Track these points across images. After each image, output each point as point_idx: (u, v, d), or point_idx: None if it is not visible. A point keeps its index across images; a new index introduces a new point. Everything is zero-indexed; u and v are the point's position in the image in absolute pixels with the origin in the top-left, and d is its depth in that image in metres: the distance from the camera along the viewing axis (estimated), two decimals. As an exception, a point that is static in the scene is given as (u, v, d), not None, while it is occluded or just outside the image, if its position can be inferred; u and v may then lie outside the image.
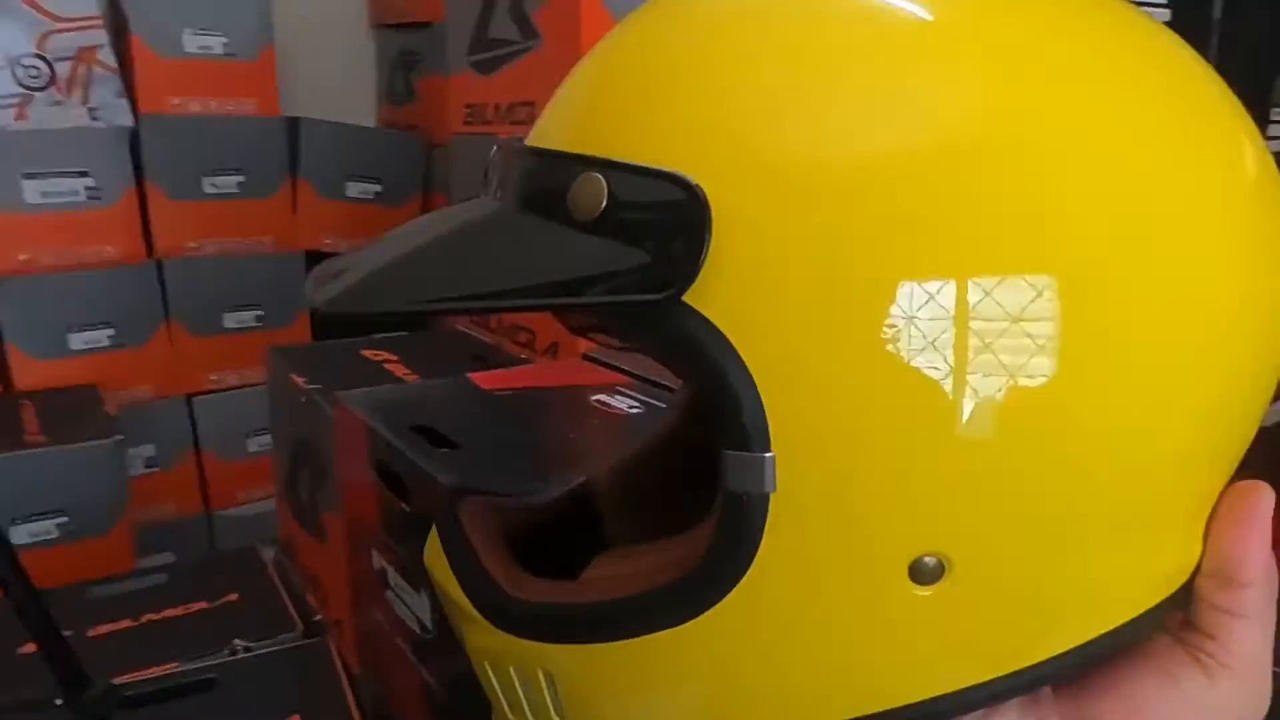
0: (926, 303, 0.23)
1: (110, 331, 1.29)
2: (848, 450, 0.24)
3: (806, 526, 0.24)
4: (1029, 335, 0.23)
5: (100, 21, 1.25)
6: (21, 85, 1.17)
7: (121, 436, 1.13)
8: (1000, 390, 0.23)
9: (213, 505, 1.40)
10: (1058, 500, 0.24)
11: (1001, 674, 0.26)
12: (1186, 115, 0.26)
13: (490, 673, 0.31)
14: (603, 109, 0.27)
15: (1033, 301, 0.23)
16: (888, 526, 0.24)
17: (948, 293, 0.22)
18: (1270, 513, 0.28)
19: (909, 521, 0.24)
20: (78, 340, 1.25)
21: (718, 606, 0.26)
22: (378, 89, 1.67)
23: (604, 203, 0.24)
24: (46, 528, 1.11)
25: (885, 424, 0.23)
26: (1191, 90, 0.27)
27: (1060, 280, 0.23)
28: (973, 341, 0.23)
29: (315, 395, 0.74)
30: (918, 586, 0.25)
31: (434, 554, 0.33)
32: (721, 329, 0.23)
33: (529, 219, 0.26)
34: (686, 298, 0.23)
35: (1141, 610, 0.27)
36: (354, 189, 1.43)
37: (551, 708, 0.30)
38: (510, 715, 0.32)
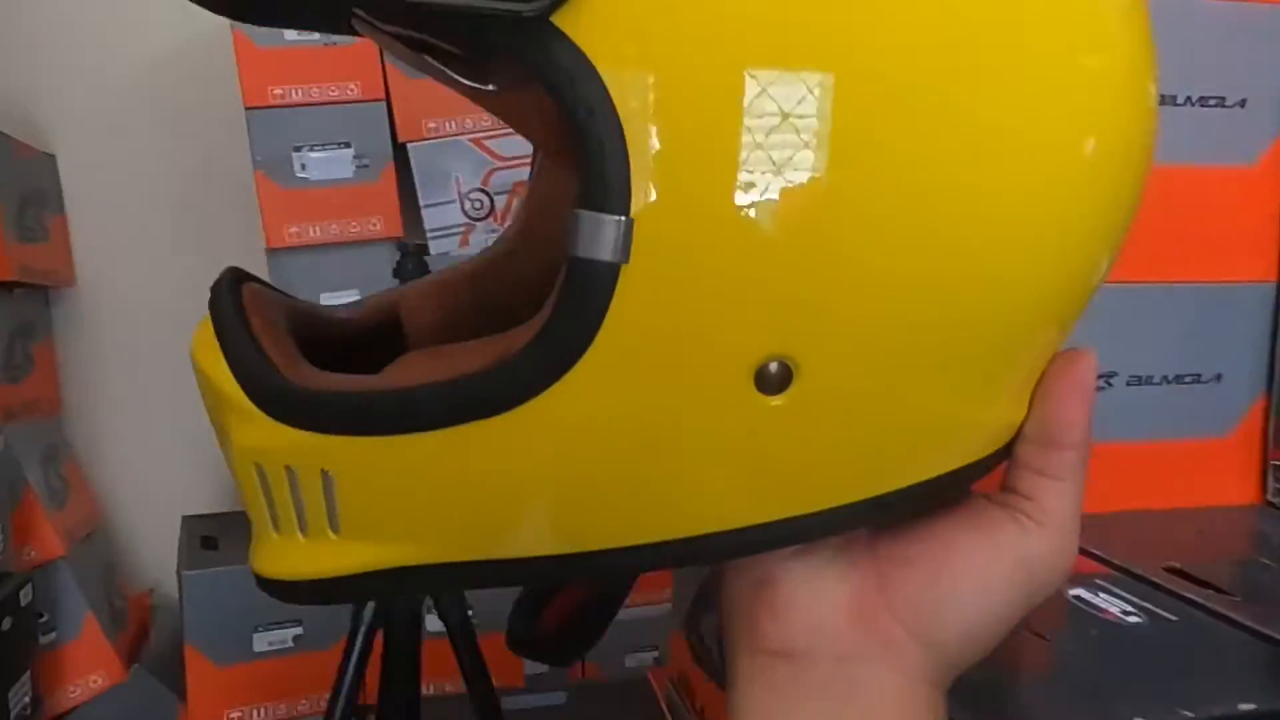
0: (773, 93, 0.21)
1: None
2: (704, 230, 0.22)
3: (654, 311, 0.23)
4: (857, 139, 0.22)
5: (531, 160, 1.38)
6: (468, 216, 1.31)
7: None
8: (818, 191, 0.22)
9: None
10: (897, 319, 0.24)
11: (839, 504, 0.26)
12: None
13: (258, 478, 0.28)
14: None
15: (876, 102, 0.22)
16: (737, 318, 0.23)
17: (791, 87, 0.21)
18: (1094, 381, 0.28)
19: (757, 316, 0.23)
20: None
21: (547, 393, 0.23)
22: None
23: None
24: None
25: (738, 209, 0.22)
26: None
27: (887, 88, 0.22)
28: (805, 138, 0.22)
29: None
30: (765, 396, 0.24)
31: (202, 341, 0.29)
32: (593, 61, 0.21)
33: None
34: (556, 19, 0.21)
35: (975, 459, 0.28)
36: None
37: (325, 515, 0.27)
38: (274, 531, 0.28)
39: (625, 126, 0.21)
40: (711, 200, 0.22)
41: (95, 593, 1.34)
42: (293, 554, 0.29)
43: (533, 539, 0.27)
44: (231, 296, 0.30)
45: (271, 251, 1.30)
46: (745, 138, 0.22)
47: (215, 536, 1.22)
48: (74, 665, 1.29)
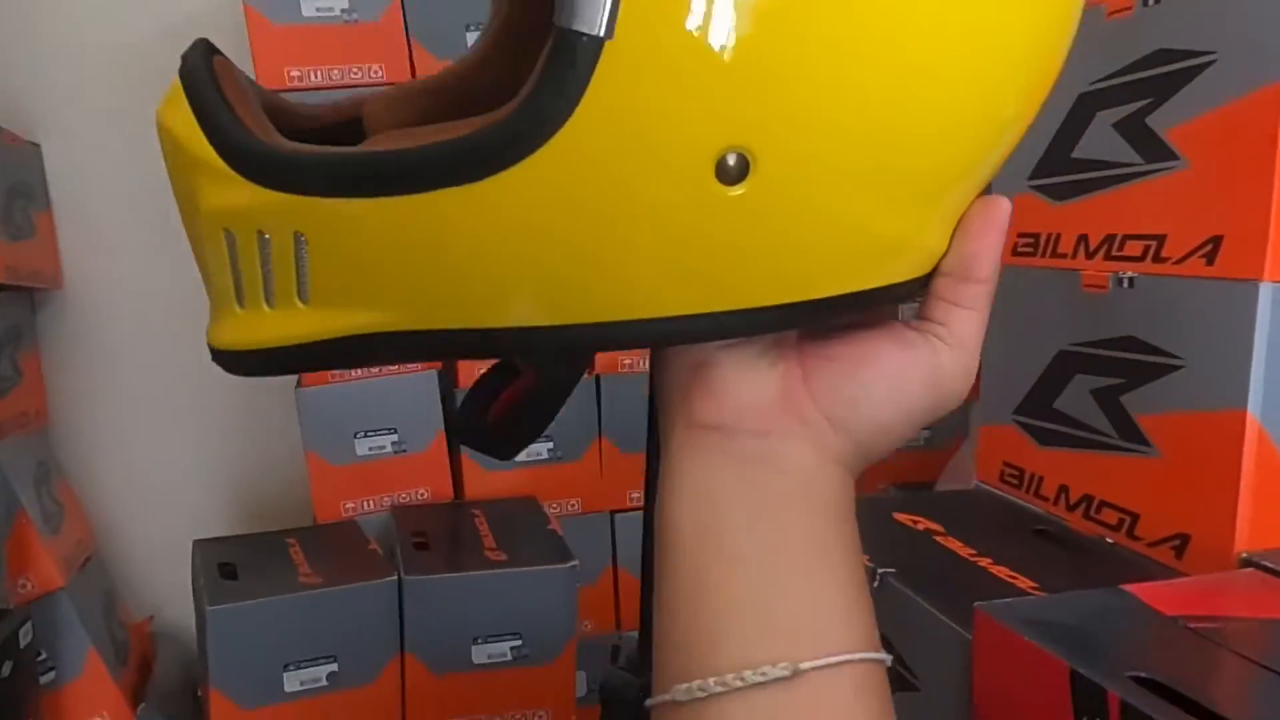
0: None
1: (549, 445, 1.29)
2: (681, 17, 0.23)
3: (630, 90, 0.24)
4: None
5: None
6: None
7: (576, 562, 1.09)
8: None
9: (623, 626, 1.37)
10: (848, 129, 0.26)
11: (778, 303, 0.28)
12: None
13: (226, 246, 0.28)
14: None
15: None
16: (704, 105, 0.24)
17: None
18: (1007, 223, 0.32)
19: (723, 105, 0.24)
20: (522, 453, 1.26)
21: (523, 162, 0.25)
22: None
23: None
24: (501, 650, 1.09)
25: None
26: None
27: None
28: None
29: (893, 581, 0.63)
30: (723, 185, 0.25)
31: (172, 104, 0.29)
32: None
33: None
34: None
35: (902, 280, 0.31)
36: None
37: (295, 283, 0.28)
38: (237, 305, 0.29)
39: None
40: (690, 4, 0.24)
41: (96, 625, 1.22)
42: (254, 324, 0.29)
43: (493, 310, 0.28)
44: (204, 63, 0.30)
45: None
46: None
47: (233, 563, 1.11)
48: (76, 706, 1.17)
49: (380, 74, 1.19)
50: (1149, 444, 0.66)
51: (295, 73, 1.16)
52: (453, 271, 0.27)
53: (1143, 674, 0.44)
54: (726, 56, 0.24)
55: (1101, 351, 0.70)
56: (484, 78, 0.38)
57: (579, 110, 0.24)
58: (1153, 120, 0.65)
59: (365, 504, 1.29)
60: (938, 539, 0.71)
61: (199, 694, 1.18)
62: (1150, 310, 0.66)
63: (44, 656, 1.14)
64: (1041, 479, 0.77)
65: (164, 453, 1.43)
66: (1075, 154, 0.72)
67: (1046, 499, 0.76)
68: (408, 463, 1.29)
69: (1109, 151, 0.69)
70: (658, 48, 0.24)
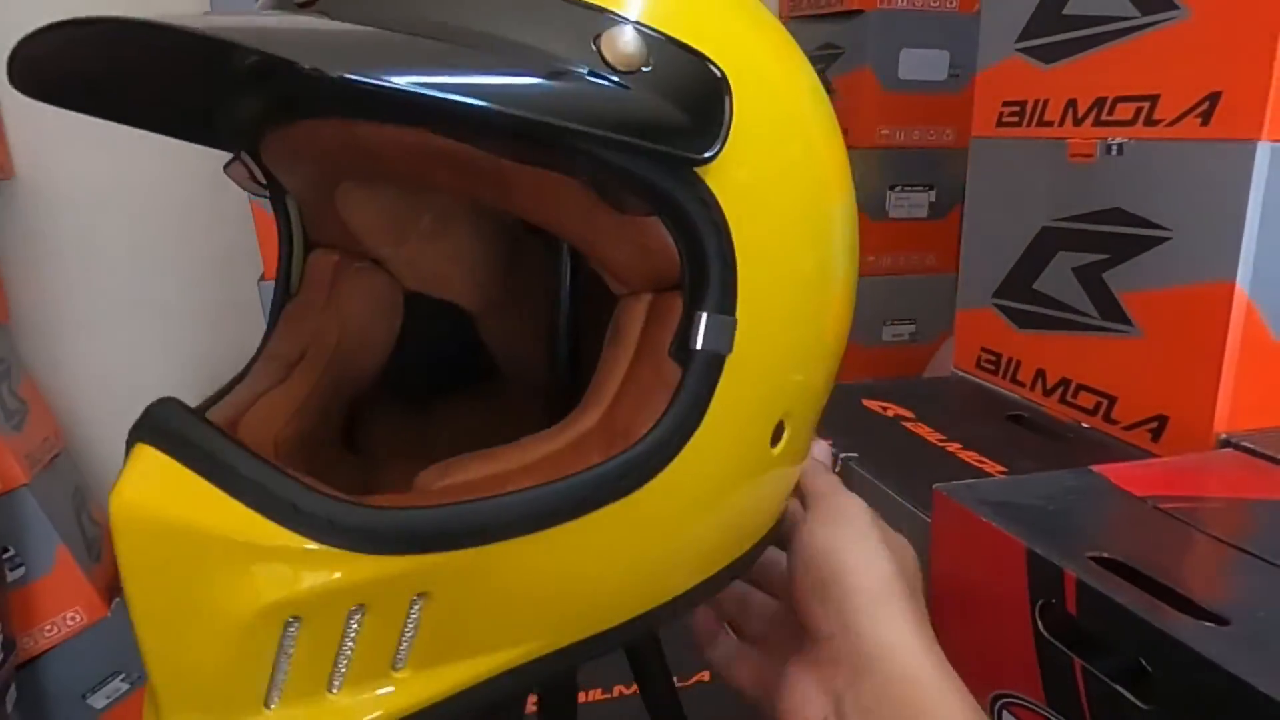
0: (807, 235, 0.31)
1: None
2: (770, 330, 0.30)
3: (737, 388, 0.29)
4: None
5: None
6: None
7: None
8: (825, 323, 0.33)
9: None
10: (827, 382, 0.34)
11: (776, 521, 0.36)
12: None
13: (286, 637, 0.24)
14: None
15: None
16: (780, 394, 0.31)
17: (815, 233, 0.32)
18: None
19: (784, 389, 0.31)
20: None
21: (663, 473, 0.27)
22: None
23: (647, 63, 0.26)
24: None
25: (784, 309, 0.30)
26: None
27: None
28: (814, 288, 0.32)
29: (855, 465, 0.60)
30: (772, 448, 0.31)
31: (159, 486, 0.23)
32: (724, 208, 0.27)
33: (489, 52, 0.25)
34: (699, 171, 0.27)
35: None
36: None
37: (395, 649, 0.26)
38: (269, 703, 0.25)
39: (738, 255, 0.28)
40: (773, 313, 0.30)
41: (65, 522, 1.20)
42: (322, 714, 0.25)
43: (614, 611, 0.30)
44: (203, 425, 0.25)
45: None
46: (777, 270, 0.30)
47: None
48: (48, 602, 1.16)
49: None
50: (1130, 323, 0.62)
51: None
52: (591, 585, 0.29)
53: (1104, 554, 0.41)
54: (786, 360, 0.31)
55: (1086, 226, 0.66)
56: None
57: (706, 417, 0.28)
58: (1151, -32, 0.60)
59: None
60: (906, 425, 0.68)
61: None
62: (1139, 179, 0.61)
63: (11, 553, 1.13)
64: (1019, 363, 0.73)
65: (132, 346, 1.39)
66: (1067, 10, 0.67)
67: (1023, 384, 0.73)
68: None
69: (1104, 5, 0.63)
70: (751, 358, 0.29)
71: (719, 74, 0.27)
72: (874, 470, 0.60)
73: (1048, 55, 0.69)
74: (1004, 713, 0.44)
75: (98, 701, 1.20)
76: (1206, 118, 0.56)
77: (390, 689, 0.26)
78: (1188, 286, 0.58)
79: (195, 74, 0.30)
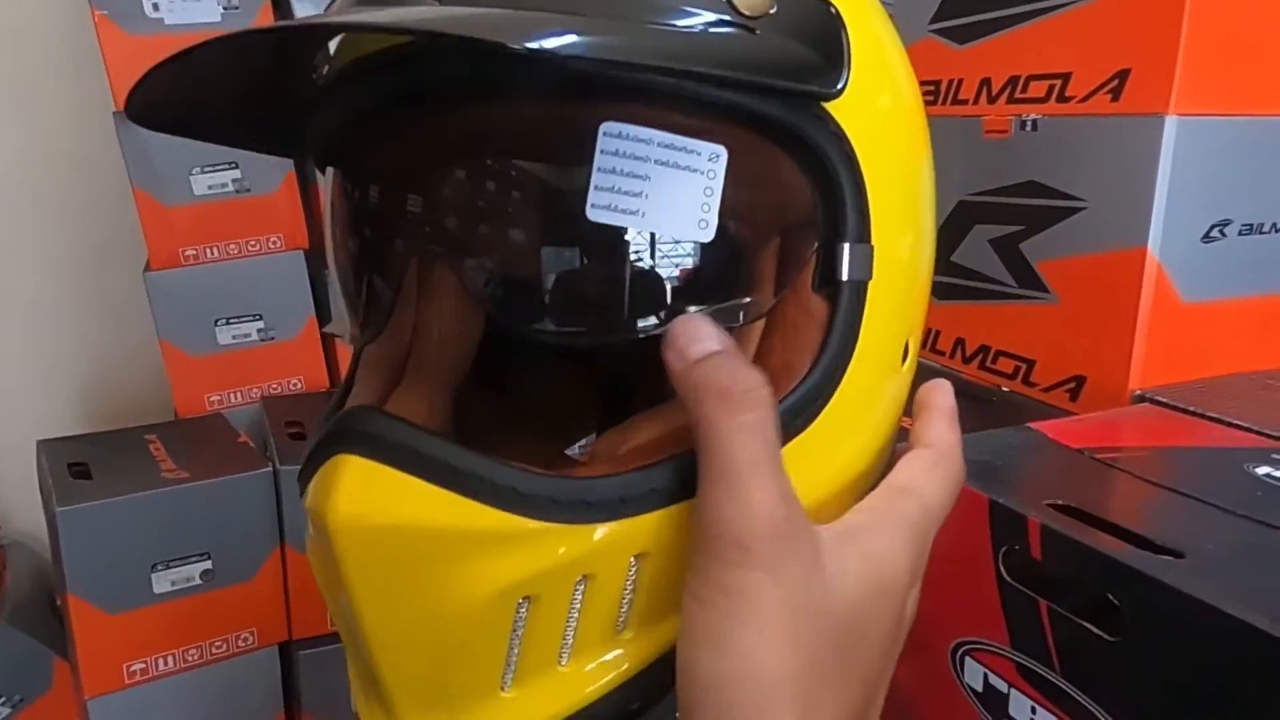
0: (922, 167, 0.34)
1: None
2: (900, 253, 0.31)
3: (878, 313, 0.30)
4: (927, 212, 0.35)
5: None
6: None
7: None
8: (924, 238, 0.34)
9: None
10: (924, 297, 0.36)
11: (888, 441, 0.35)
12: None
13: (517, 616, 0.25)
14: None
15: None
16: (906, 315, 0.33)
17: (926, 165, 0.35)
18: None
19: (912, 309, 0.33)
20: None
21: (827, 409, 0.29)
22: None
23: (773, 7, 0.27)
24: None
25: (909, 236, 0.32)
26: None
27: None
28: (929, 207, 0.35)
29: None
30: (902, 367, 0.33)
31: (374, 489, 0.24)
32: (852, 141, 0.29)
33: (638, 13, 0.26)
34: (827, 106, 0.28)
35: None
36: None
37: (619, 612, 0.27)
38: (505, 686, 0.26)
39: (869, 187, 0.30)
40: (895, 233, 0.32)
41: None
42: (535, 699, 0.26)
43: None
44: (403, 424, 0.25)
45: (121, 114, 1.06)
46: (899, 198, 0.32)
47: (85, 463, 1.02)
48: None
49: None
50: (1048, 290, 0.66)
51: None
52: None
53: (1059, 501, 0.43)
54: (912, 280, 0.33)
55: (1002, 199, 0.69)
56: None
57: (859, 343, 0.30)
58: (1059, -49, 0.63)
59: (232, 396, 1.21)
60: (839, 395, 0.70)
61: (57, 603, 1.09)
62: (1053, 152, 0.64)
63: None
64: (938, 334, 0.76)
65: (5, 350, 1.30)
66: (977, -8, 0.69)
67: (942, 353, 0.76)
68: (276, 351, 1.21)
69: (1012, -13, 0.66)
70: (887, 282, 0.31)
71: (834, 11, 0.29)
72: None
73: (961, 36, 0.72)
74: (966, 659, 0.46)
75: (-26, 731, 1.12)
76: (1116, 94, 0.59)
77: (617, 652, 0.27)
78: (1102, 254, 0.61)
79: (282, 86, 0.30)
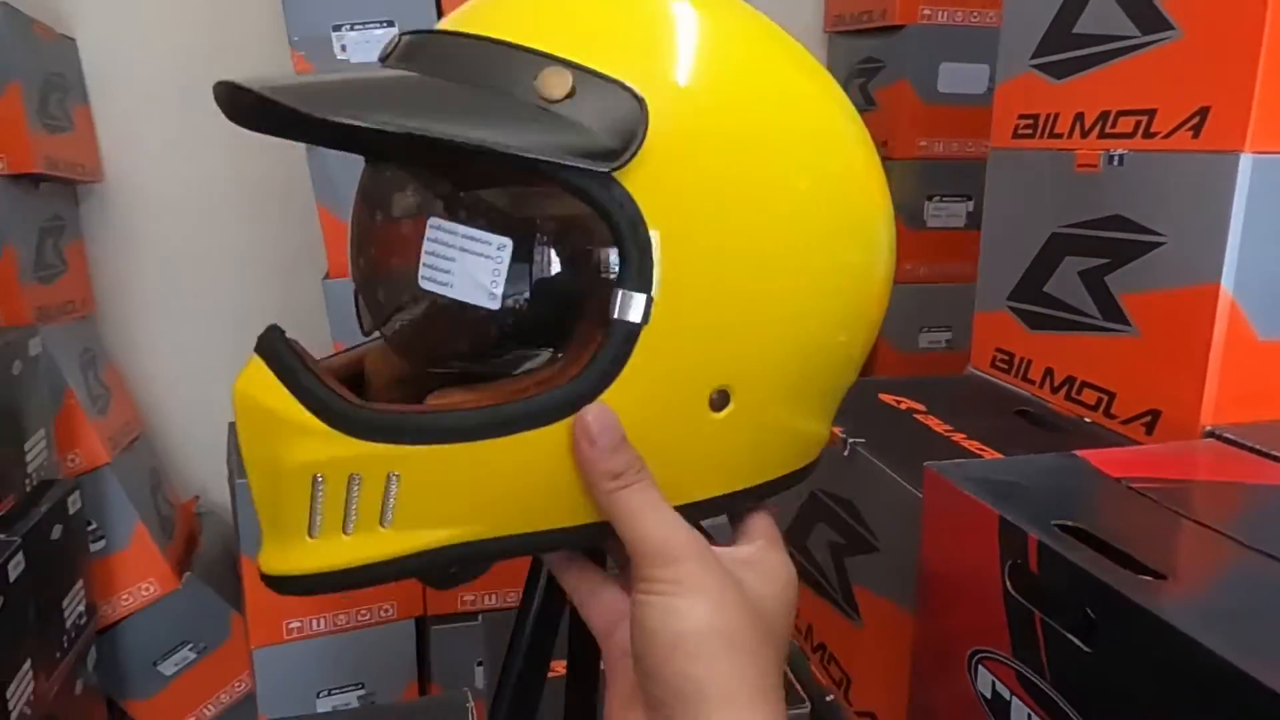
0: (735, 233, 0.35)
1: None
2: (688, 308, 0.35)
3: (654, 352, 0.34)
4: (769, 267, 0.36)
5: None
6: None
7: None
8: (749, 290, 0.36)
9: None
10: (782, 368, 0.37)
11: (748, 485, 0.39)
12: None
13: (312, 488, 0.34)
14: (572, 20, 0.36)
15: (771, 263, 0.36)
16: (701, 360, 0.35)
17: (744, 232, 0.35)
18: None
19: (716, 360, 0.36)
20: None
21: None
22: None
23: (569, 92, 0.33)
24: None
25: (707, 292, 0.35)
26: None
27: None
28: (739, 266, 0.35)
29: (861, 449, 0.65)
30: (713, 413, 0.36)
31: (255, 380, 0.35)
32: (638, 201, 0.33)
33: (476, 91, 0.34)
34: (617, 175, 0.33)
35: (808, 462, 0.42)
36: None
37: (380, 510, 0.35)
38: (308, 535, 0.35)
39: (652, 238, 0.34)
40: (694, 289, 0.35)
41: (142, 500, 1.30)
42: (326, 550, 0.35)
43: (554, 514, 0.36)
44: (283, 346, 0.35)
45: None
46: (710, 259, 0.35)
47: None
48: (125, 573, 1.25)
49: None
50: (1129, 323, 0.66)
51: None
52: (517, 491, 0.35)
53: (1069, 522, 0.45)
54: (712, 333, 0.35)
55: (1090, 232, 0.70)
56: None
57: (622, 374, 0.34)
58: (1149, -11, 0.64)
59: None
60: (917, 417, 0.73)
61: (239, 565, 1.25)
62: (1137, 187, 0.65)
63: (94, 526, 1.22)
64: (1030, 362, 0.77)
65: (205, 339, 1.48)
66: (1077, 29, 0.71)
67: (1033, 382, 0.77)
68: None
69: (1108, 24, 0.67)
70: (670, 330, 0.34)
71: (634, 96, 0.33)
72: (878, 454, 0.64)
73: (1059, 71, 0.73)
74: (979, 666, 0.48)
75: (167, 669, 1.29)
76: (1197, 131, 0.60)
77: (383, 539, 0.35)
78: (1179, 289, 0.61)
79: None
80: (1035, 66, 0.75)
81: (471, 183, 0.38)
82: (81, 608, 1.13)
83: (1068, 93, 0.72)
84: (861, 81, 1.48)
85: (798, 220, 0.36)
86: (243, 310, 1.50)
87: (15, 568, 0.95)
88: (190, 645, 1.30)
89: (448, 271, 0.36)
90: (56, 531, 1.07)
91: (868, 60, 1.46)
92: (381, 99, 0.34)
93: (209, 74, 1.28)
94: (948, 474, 0.52)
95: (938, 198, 1.42)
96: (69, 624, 1.09)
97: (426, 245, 0.36)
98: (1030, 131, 0.76)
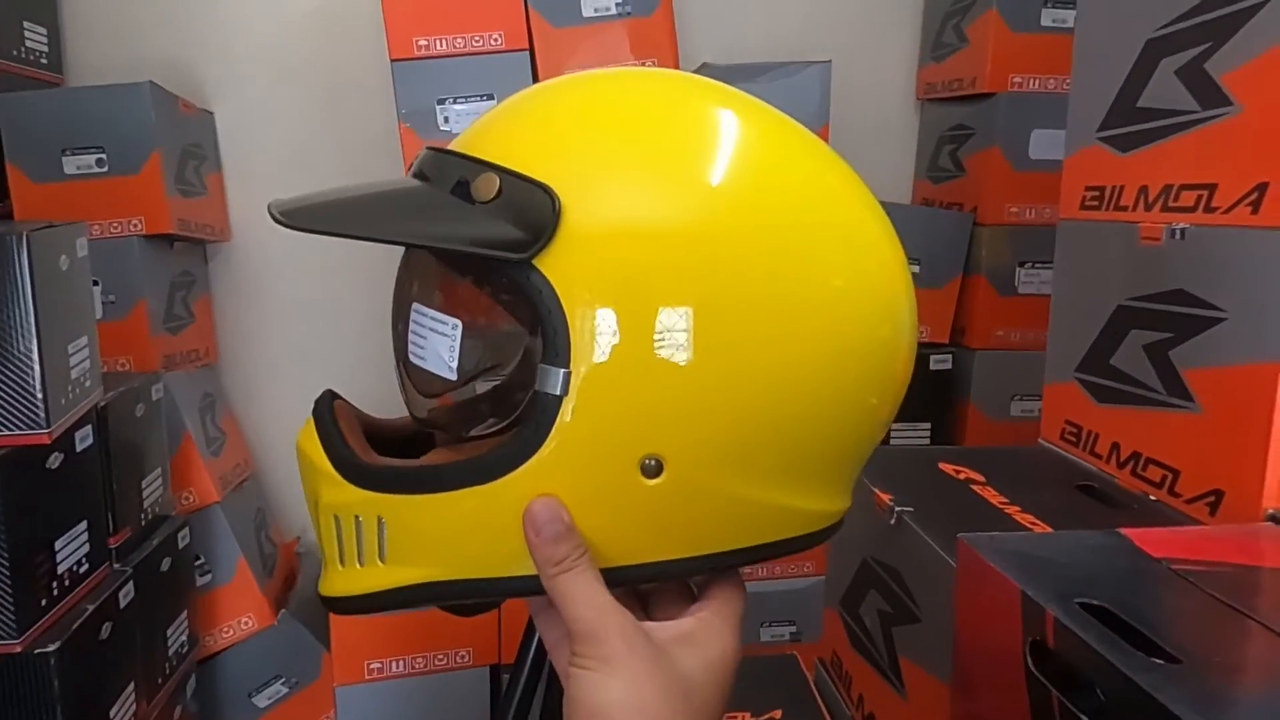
0: (656, 315, 0.37)
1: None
2: (609, 382, 0.37)
3: (579, 425, 0.38)
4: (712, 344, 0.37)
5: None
6: None
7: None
8: (683, 366, 0.37)
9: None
10: (722, 439, 0.38)
11: (691, 555, 0.40)
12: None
13: (335, 524, 0.41)
14: (505, 134, 0.42)
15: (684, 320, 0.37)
16: (629, 428, 0.38)
17: (669, 315, 0.37)
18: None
19: (637, 429, 0.38)
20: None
21: (518, 470, 0.38)
22: (916, 164, 1.60)
23: (494, 195, 0.39)
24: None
25: (629, 368, 0.37)
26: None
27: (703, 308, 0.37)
28: (672, 343, 0.37)
29: (908, 519, 0.65)
30: (646, 479, 0.38)
31: (306, 435, 0.42)
32: (554, 286, 0.37)
33: (444, 195, 0.40)
34: (536, 262, 0.37)
35: (791, 536, 0.41)
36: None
37: (377, 547, 0.40)
38: (339, 564, 0.41)
39: (569, 321, 0.37)
40: (614, 365, 0.37)
41: (247, 538, 1.38)
42: (350, 577, 0.41)
43: (506, 564, 0.40)
44: (328, 407, 0.43)
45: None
46: (630, 336, 0.37)
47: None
48: (227, 607, 1.33)
49: (499, 42, 1.27)
50: (1192, 399, 0.65)
51: (423, 41, 1.26)
52: (474, 539, 0.40)
53: (1093, 600, 0.45)
54: (637, 406, 0.37)
55: (1154, 305, 0.69)
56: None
57: (549, 438, 0.38)
58: (1211, 65, 0.63)
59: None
60: (974, 488, 0.72)
61: (329, 604, 1.31)
62: (1198, 262, 0.64)
63: (201, 560, 1.31)
64: (1097, 436, 0.76)
65: (315, 390, 1.57)
66: (1141, 103, 0.71)
67: (1100, 456, 0.75)
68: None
69: (1171, 99, 0.67)
70: (593, 400, 0.37)
71: (547, 195, 0.37)
72: (924, 524, 0.64)
73: (1124, 144, 0.73)
74: (1004, 745, 0.48)
75: (261, 701, 1.36)
76: (1256, 206, 0.59)
77: (382, 571, 0.40)
78: (1240, 365, 0.60)
79: None
80: (1101, 139, 0.75)
81: (443, 274, 0.45)
82: (184, 637, 1.21)
83: (1133, 165, 0.72)
84: (952, 148, 1.48)
85: (699, 301, 0.37)
86: (352, 363, 1.59)
87: (126, 595, 1.03)
88: (283, 680, 1.36)
89: (423, 348, 0.43)
90: (166, 564, 1.15)
91: (958, 127, 1.46)
92: (353, 209, 0.41)
93: (328, 144, 1.41)
94: (978, 546, 0.52)
95: (1029, 264, 1.40)
96: (172, 652, 1.16)
97: (411, 326, 0.44)
98: (1097, 204, 0.76)
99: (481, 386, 0.44)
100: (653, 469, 0.38)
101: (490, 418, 0.43)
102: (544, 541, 0.38)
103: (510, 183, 0.38)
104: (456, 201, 0.39)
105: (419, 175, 0.43)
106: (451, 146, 0.42)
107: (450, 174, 0.40)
